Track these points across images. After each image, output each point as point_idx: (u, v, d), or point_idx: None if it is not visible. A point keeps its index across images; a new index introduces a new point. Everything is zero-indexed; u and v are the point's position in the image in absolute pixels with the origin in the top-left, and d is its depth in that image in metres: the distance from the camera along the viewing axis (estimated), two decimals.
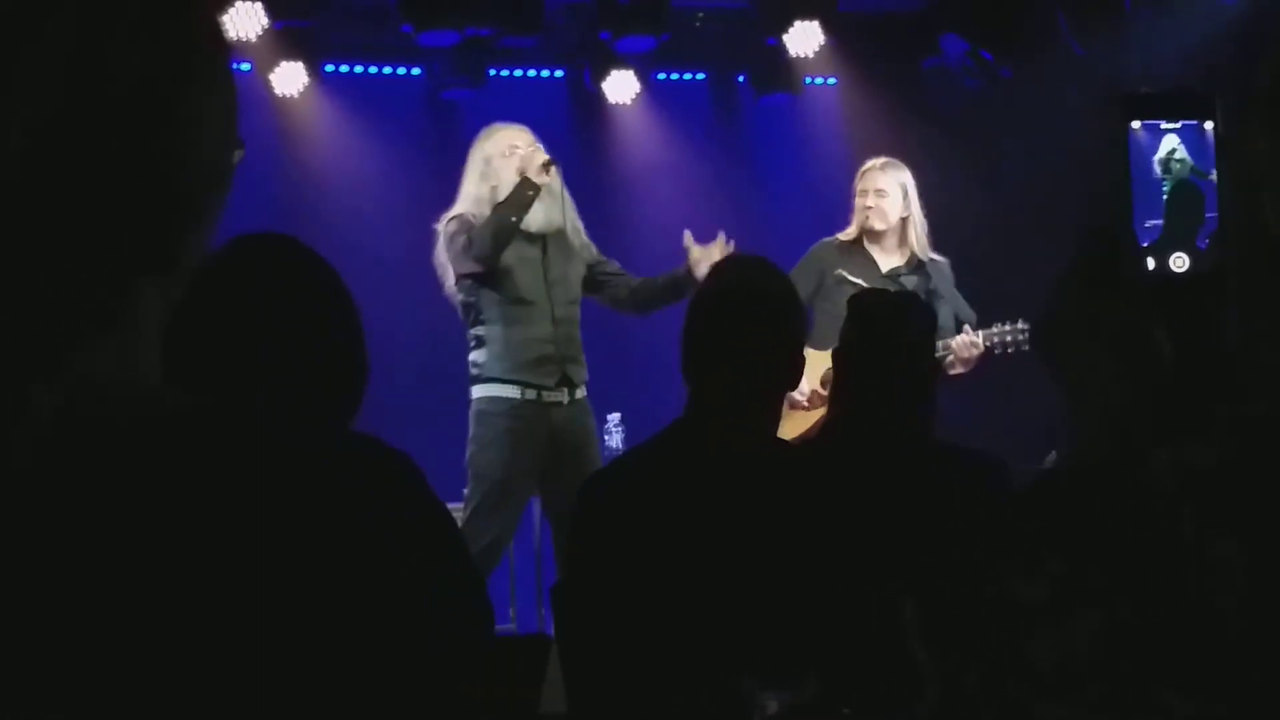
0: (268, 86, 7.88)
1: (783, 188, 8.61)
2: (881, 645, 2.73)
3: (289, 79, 7.88)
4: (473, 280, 5.58)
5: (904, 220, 5.98)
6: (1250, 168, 1.15)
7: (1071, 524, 0.95)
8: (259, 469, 0.94)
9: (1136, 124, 1.24)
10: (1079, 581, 0.92)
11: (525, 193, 5.51)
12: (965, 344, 5.74)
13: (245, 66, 7.91)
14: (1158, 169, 1.22)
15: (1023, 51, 8.13)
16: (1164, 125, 1.24)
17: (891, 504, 3.11)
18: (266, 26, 7.42)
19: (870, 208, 5.94)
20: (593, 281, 5.89)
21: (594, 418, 5.81)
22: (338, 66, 8.30)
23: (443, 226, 5.64)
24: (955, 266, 6.26)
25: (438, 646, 0.95)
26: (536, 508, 6.56)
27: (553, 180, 5.62)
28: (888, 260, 5.95)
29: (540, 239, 5.66)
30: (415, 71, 8.41)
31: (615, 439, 6.82)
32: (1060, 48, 7.83)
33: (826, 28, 8.03)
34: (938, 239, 6.20)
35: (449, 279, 5.65)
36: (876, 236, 5.96)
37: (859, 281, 5.74)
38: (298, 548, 0.92)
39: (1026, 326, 5.98)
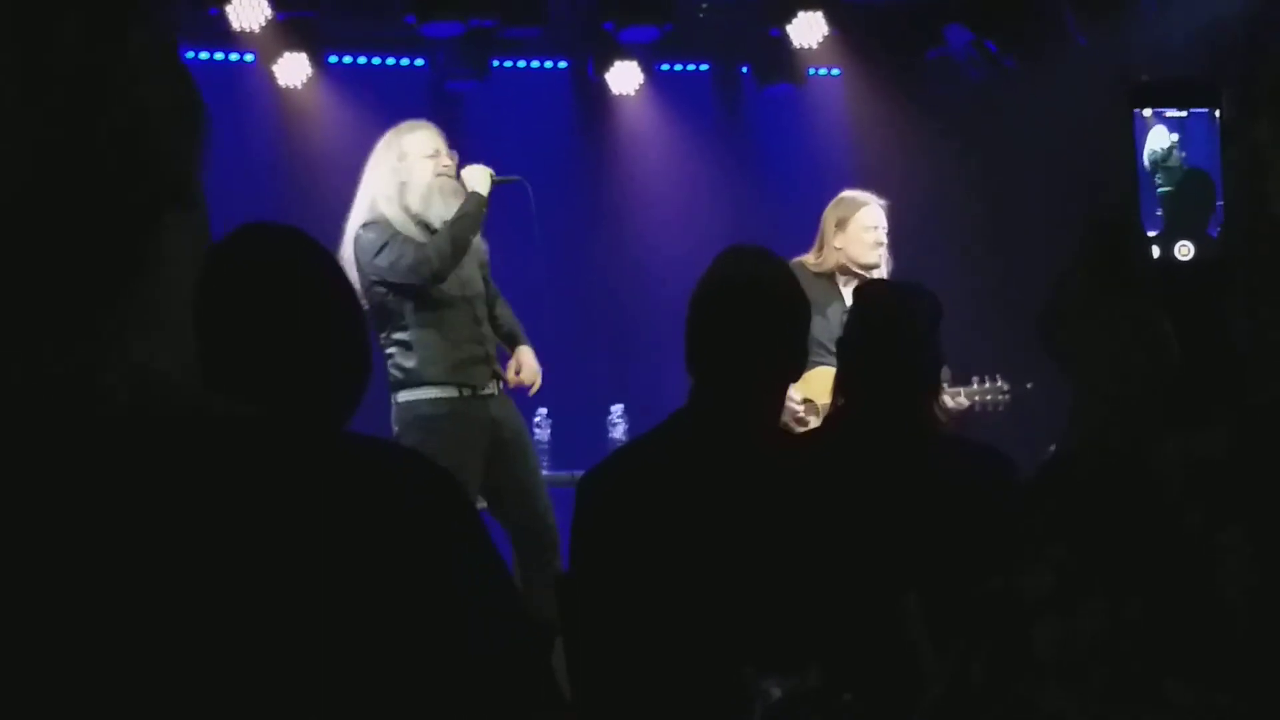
0: (271, 78, 7.88)
1: (786, 179, 8.60)
2: (885, 635, 2.73)
3: (292, 70, 7.88)
4: (395, 288, 5.48)
5: None
6: (1255, 156, 1.14)
7: (1078, 513, 0.95)
8: (300, 469, 0.94)
9: (1146, 112, 1.24)
10: (1085, 571, 0.92)
11: (480, 208, 5.51)
12: (954, 406, 5.65)
13: (249, 58, 7.91)
14: (1146, 160, 1.22)
15: (1027, 42, 8.12)
16: (1169, 114, 1.24)
17: (896, 495, 3.10)
18: (270, 18, 7.42)
19: (882, 244, 5.82)
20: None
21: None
22: (341, 57, 8.29)
23: (357, 231, 5.50)
24: (957, 257, 6.25)
25: (472, 647, 0.95)
26: None
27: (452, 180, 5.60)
28: (850, 294, 5.82)
29: None
30: (419, 63, 8.41)
31: (618, 430, 6.82)
32: (1065, 38, 7.82)
33: (830, 18, 8.02)
34: (941, 230, 6.19)
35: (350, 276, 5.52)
36: (851, 271, 5.80)
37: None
38: (334, 547, 0.92)
39: (1006, 386, 5.96)
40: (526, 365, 5.76)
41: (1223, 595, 0.88)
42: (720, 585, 2.82)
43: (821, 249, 5.87)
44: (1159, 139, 1.23)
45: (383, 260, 5.41)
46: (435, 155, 5.60)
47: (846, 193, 5.96)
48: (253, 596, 0.89)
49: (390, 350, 5.55)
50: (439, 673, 0.94)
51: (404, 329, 5.53)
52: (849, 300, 5.68)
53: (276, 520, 0.91)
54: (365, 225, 5.50)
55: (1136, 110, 1.24)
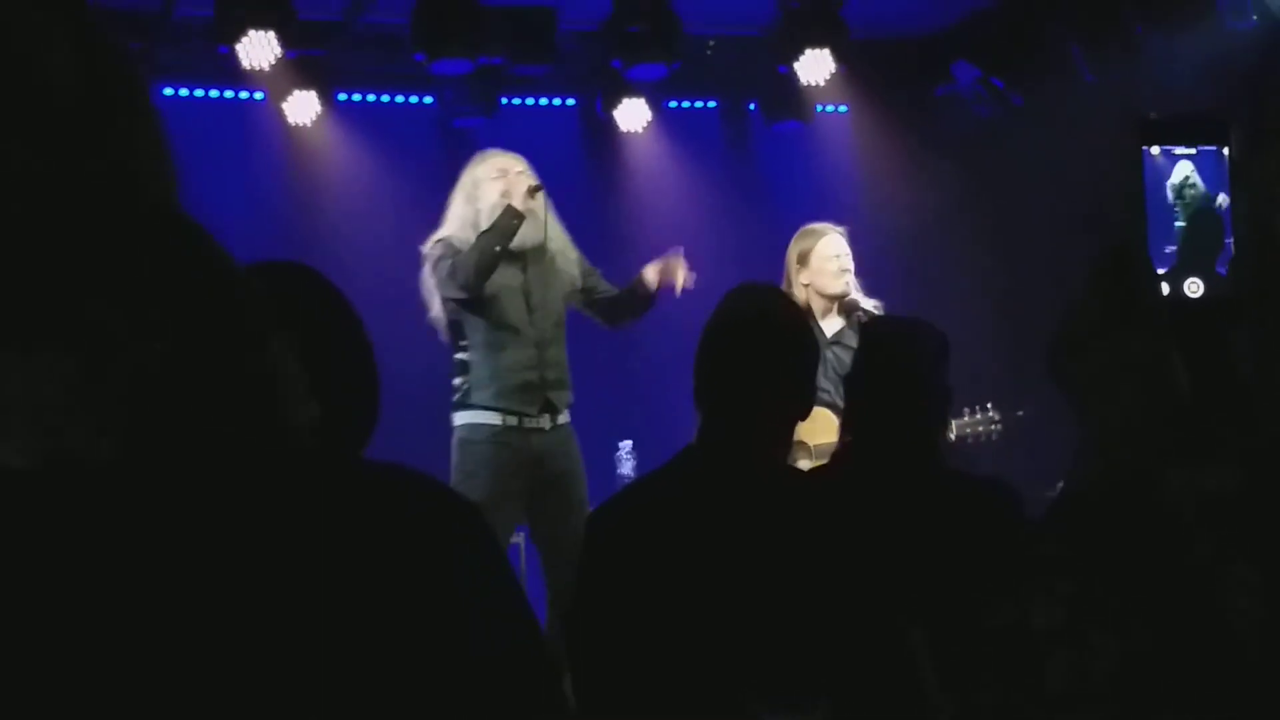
0: (281, 115, 7.91)
1: (794, 215, 8.58)
2: (892, 669, 2.72)
3: (302, 108, 7.91)
4: (457, 304, 5.58)
5: None
6: (1265, 192, 1.15)
7: (1088, 547, 0.95)
8: (307, 485, 0.96)
9: (1155, 149, 1.24)
10: (1095, 605, 0.92)
11: (510, 220, 5.52)
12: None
13: (259, 95, 7.95)
14: (1170, 195, 1.23)
15: (1034, 78, 8.15)
16: (1178, 150, 1.24)
17: (904, 530, 3.10)
18: (279, 56, 7.45)
19: (847, 270, 5.82)
20: (584, 299, 5.90)
21: (577, 443, 5.72)
22: (350, 95, 8.33)
23: (428, 249, 5.64)
24: (964, 293, 6.27)
25: (473, 649, 0.97)
26: None
27: (537, 204, 5.62)
28: (830, 325, 5.83)
29: (521, 261, 5.65)
30: (427, 100, 8.44)
31: (626, 466, 6.80)
32: (1071, 74, 7.84)
33: (837, 55, 8.04)
34: (947, 265, 6.22)
35: (434, 304, 5.64)
36: (825, 303, 5.83)
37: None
38: (335, 555, 0.93)
39: (996, 416, 5.97)
40: (654, 271, 5.70)
41: (1231, 629, 0.88)
42: (729, 620, 2.82)
43: (789, 287, 5.83)
44: (1182, 172, 1.23)
45: (437, 274, 5.55)
46: (501, 175, 5.66)
47: (806, 226, 5.96)
48: (254, 602, 0.90)
49: (454, 369, 5.64)
50: (438, 674, 0.95)
51: (465, 349, 5.63)
52: (828, 331, 5.73)
53: (281, 529, 0.92)
54: (433, 244, 5.64)
55: (1145, 147, 1.24)
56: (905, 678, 2.70)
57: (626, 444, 6.85)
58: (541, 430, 5.58)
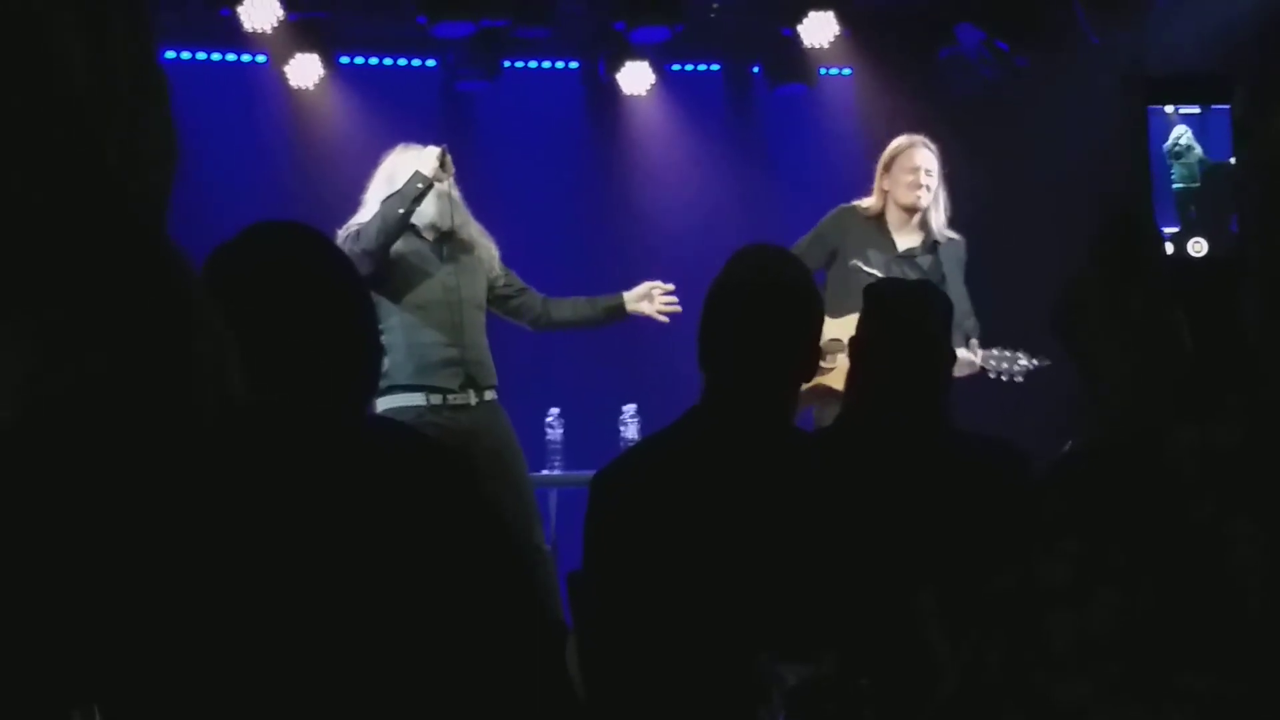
0: (283, 78, 7.89)
1: (797, 179, 8.60)
2: (901, 626, 2.73)
3: (304, 71, 7.89)
4: (372, 283, 5.32)
5: None
6: (1271, 152, 1.14)
7: (1092, 505, 0.95)
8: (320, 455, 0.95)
9: (1168, 109, 1.24)
10: (1100, 563, 0.92)
11: (414, 185, 5.43)
12: (962, 363, 5.72)
13: (261, 58, 7.93)
14: (1166, 158, 1.22)
15: (1039, 41, 8.11)
16: (1182, 110, 1.24)
17: (910, 489, 3.10)
18: (281, 18, 7.44)
19: (924, 186, 5.99)
20: (492, 295, 5.80)
21: (507, 419, 5.64)
22: (353, 58, 8.31)
23: (342, 234, 5.47)
24: (971, 255, 6.29)
25: (471, 647, 0.96)
26: (552, 500, 6.56)
27: (447, 181, 5.54)
28: (905, 240, 6.03)
29: (436, 242, 5.61)
30: (430, 63, 8.42)
31: (630, 430, 6.81)
32: (1077, 37, 7.81)
33: (841, 18, 8.02)
34: (951, 228, 6.24)
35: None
36: (902, 214, 5.99)
37: (874, 272, 5.75)
38: (329, 544, 0.93)
39: (1029, 363, 6.02)
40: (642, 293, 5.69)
41: (1236, 585, 0.88)
42: (736, 577, 2.83)
43: (874, 191, 6.07)
44: (1176, 134, 1.23)
45: (350, 252, 5.36)
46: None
47: (901, 137, 6.14)
48: (253, 584, 0.90)
49: None
50: (435, 667, 0.95)
51: (382, 332, 5.43)
52: (900, 245, 5.84)
53: (282, 512, 0.92)
54: (349, 229, 5.52)
55: (1150, 107, 1.24)
56: (914, 637, 2.71)
57: (630, 407, 6.85)
58: (468, 406, 5.50)
